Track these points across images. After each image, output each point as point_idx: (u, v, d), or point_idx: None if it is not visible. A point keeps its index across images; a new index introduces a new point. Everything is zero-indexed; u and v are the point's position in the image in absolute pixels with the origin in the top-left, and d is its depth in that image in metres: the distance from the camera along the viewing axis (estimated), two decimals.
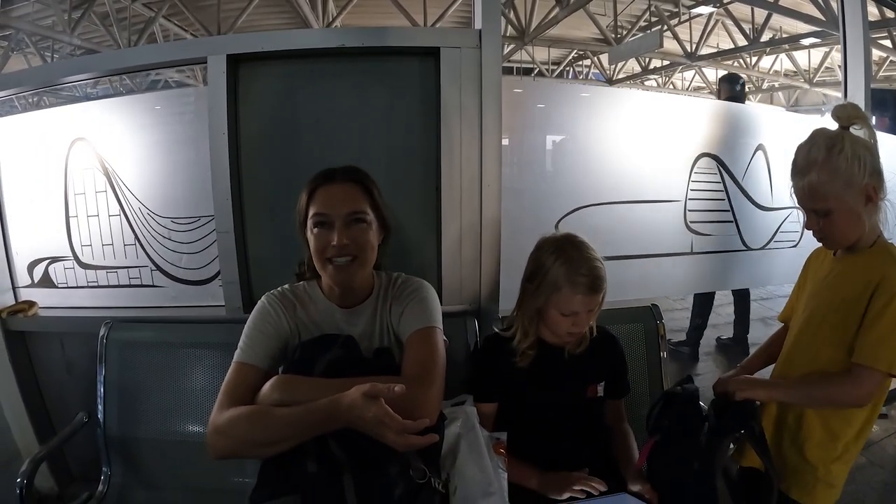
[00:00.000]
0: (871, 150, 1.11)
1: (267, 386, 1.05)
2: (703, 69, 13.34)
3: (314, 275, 1.26)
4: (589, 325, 1.33)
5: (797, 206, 1.18)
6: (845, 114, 1.13)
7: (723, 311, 4.63)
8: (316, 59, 1.67)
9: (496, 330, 1.43)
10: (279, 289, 1.27)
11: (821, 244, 1.23)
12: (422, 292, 1.26)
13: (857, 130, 1.13)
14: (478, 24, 1.63)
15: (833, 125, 1.15)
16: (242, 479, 1.51)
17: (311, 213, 1.18)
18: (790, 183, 1.17)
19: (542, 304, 1.29)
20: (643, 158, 2.01)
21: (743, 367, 1.42)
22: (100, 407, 1.62)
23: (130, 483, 1.61)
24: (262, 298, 1.24)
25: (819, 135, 1.13)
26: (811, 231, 1.18)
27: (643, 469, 1.28)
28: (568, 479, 1.25)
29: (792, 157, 1.17)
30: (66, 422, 1.67)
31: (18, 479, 1.41)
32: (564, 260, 1.25)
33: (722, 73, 13.90)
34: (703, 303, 3.67)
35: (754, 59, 12.22)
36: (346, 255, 1.15)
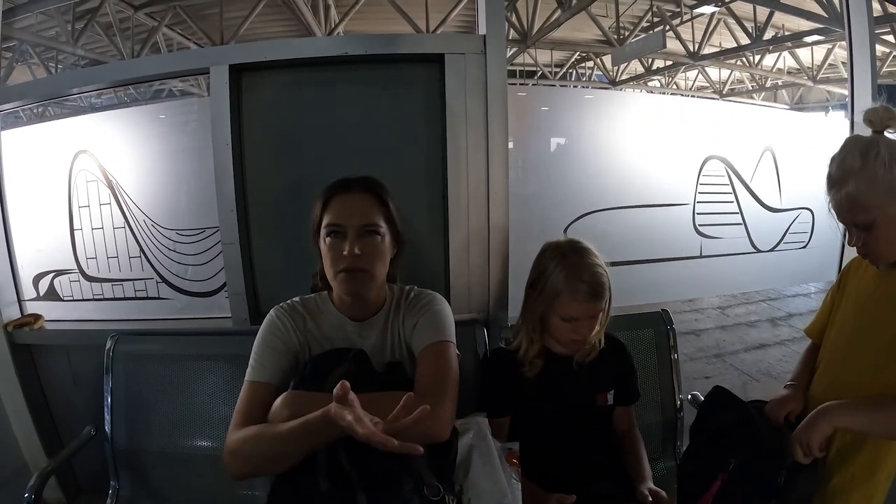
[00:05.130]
0: None
1: (277, 403, 1.04)
2: (707, 69, 13.31)
3: (326, 285, 1.25)
4: (596, 335, 1.31)
5: (837, 220, 1.09)
6: (878, 117, 1.04)
7: (731, 313, 4.61)
8: (319, 67, 1.66)
9: (501, 345, 1.42)
10: (289, 301, 1.25)
11: (864, 259, 1.12)
12: (435, 305, 1.24)
13: (892, 134, 1.04)
14: (482, 30, 1.62)
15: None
16: (251, 492, 1.51)
17: (324, 222, 1.16)
18: (827, 197, 1.08)
19: (544, 310, 1.28)
20: (650, 162, 2.00)
21: (795, 386, 1.25)
22: (107, 419, 1.61)
23: (139, 496, 1.61)
24: (272, 311, 1.23)
25: (852, 142, 1.05)
26: (855, 248, 1.09)
27: None
28: None
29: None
30: (74, 434, 1.67)
31: (26, 494, 1.40)
32: (566, 265, 1.25)
33: (725, 72, 13.94)
34: None
35: (757, 57, 12.18)
36: (356, 267, 1.13)
